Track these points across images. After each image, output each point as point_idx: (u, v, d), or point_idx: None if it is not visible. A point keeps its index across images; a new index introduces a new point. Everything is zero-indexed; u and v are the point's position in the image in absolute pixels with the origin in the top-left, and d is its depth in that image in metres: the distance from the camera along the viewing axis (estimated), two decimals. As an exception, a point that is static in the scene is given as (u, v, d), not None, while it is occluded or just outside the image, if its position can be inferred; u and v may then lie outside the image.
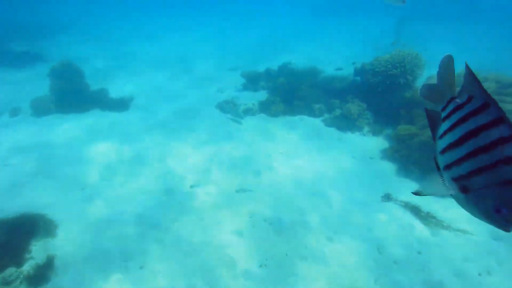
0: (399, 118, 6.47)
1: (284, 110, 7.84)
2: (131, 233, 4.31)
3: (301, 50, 13.67)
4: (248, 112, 7.99)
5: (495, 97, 5.06)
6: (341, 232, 4.38)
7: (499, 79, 5.51)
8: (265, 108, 7.99)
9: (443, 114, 1.18)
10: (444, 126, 1.14)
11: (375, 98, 6.96)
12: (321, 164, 5.92)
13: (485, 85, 5.51)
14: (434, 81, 1.35)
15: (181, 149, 6.24)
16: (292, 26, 18.63)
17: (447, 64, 1.20)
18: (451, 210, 4.79)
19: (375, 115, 7.01)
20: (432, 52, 13.77)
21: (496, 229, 1.00)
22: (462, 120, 1.04)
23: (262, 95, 8.79)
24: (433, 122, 1.26)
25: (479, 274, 3.87)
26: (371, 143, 6.58)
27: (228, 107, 8.13)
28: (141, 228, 4.38)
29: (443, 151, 1.12)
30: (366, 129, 6.89)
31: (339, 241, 4.25)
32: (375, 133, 6.81)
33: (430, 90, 1.30)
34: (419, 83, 6.69)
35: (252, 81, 9.52)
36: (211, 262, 3.91)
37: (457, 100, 1.13)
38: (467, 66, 1.05)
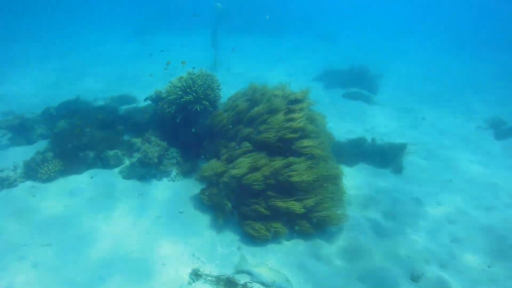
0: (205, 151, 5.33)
1: (63, 169, 5.51)
2: None
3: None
4: (3, 184, 5.23)
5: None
6: None
7: (286, 95, 5.07)
8: (33, 170, 5.44)
9: None
10: None
11: (177, 131, 5.63)
12: (117, 236, 4.04)
13: (277, 100, 4.97)
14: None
15: None
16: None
17: None
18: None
19: (182, 152, 5.67)
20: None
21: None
22: None
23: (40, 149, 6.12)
24: None
25: None
26: (181, 189, 5.18)
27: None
28: None
29: None
30: (174, 172, 5.44)
31: None
32: (186, 174, 5.46)
33: None
34: (220, 104, 5.76)
35: (20, 131, 6.65)
36: None
37: None
38: None
